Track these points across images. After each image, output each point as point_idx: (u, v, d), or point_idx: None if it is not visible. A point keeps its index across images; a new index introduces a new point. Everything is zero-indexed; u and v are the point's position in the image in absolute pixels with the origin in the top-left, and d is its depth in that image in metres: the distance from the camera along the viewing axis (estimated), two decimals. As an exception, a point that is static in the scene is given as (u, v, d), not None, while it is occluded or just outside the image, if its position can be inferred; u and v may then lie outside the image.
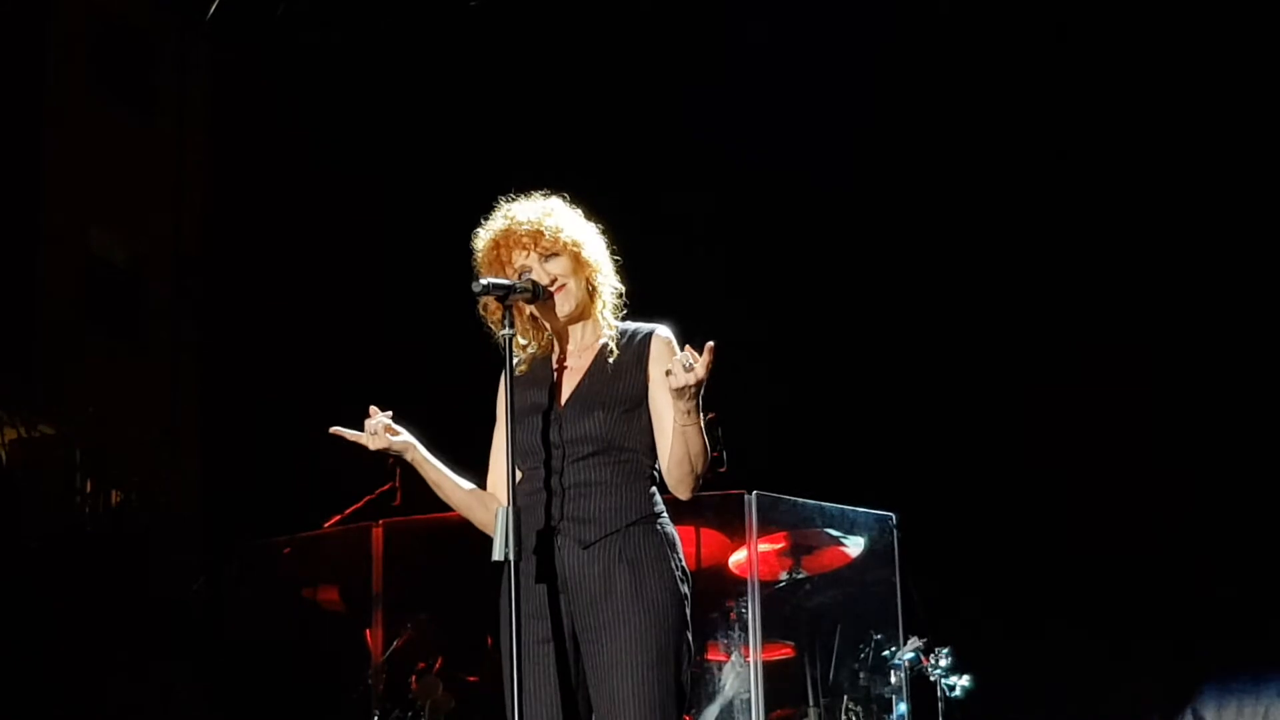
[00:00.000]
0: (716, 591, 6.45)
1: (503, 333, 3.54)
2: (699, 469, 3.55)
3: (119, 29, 10.73)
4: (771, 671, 6.36)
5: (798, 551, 6.50)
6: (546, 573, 3.52)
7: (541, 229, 3.63)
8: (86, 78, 10.45)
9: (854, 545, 6.65)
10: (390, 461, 7.17)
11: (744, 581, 6.33)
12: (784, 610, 6.52)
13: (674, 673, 3.50)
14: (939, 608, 6.64)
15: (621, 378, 3.62)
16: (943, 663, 6.17)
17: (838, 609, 6.66)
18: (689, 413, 3.44)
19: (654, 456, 3.63)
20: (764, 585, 6.37)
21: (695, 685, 6.25)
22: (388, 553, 6.90)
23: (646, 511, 3.58)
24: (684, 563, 3.61)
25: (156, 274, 10.70)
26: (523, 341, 3.72)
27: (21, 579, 7.31)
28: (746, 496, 6.32)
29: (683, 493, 3.59)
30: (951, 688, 6.14)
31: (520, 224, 3.64)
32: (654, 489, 3.63)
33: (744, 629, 6.34)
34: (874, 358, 8.44)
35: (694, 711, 6.43)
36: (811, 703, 6.44)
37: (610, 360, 3.64)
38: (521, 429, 3.60)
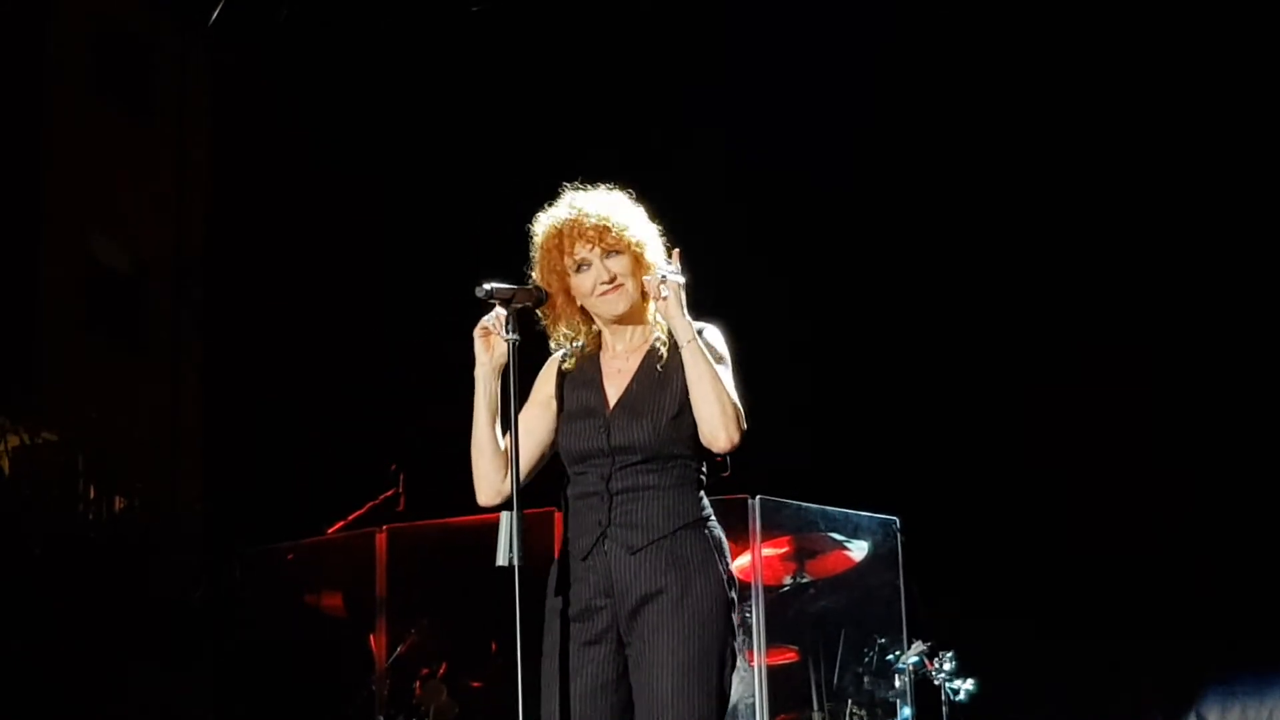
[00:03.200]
0: (720, 596, 6.43)
1: (507, 338, 3.52)
2: (723, 397, 3.48)
3: (119, 31, 10.70)
4: (776, 676, 6.36)
5: (801, 556, 6.49)
6: (593, 577, 3.52)
7: (609, 224, 3.61)
8: (86, 80, 10.42)
9: (857, 549, 6.64)
10: (393, 467, 7.22)
11: (748, 586, 6.31)
12: (788, 614, 6.51)
13: (716, 677, 3.48)
14: (943, 611, 6.64)
15: (669, 384, 3.59)
16: (947, 666, 6.17)
17: (842, 613, 6.65)
18: (685, 332, 3.49)
19: (700, 460, 3.60)
20: (768, 590, 6.37)
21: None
22: (391, 558, 6.91)
23: (695, 515, 3.55)
24: (731, 566, 3.58)
25: (157, 277, 10.66)
26: (568, 333, 3.68)
27: (24, 584, 7.31)
28: (750, 501, 6.32)
29: (721, 436, 3.49)
30: (956, 691, 6.14)
31: (588, 216, 3.62)
32: (701, 492, 3.61)
33: (748, 634, 6.33)
34: (875, 360, 8.43)
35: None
36: (816, 707, 6.43)
37: (659, 366, 3.62)
38: (570, 432, 3.60)
